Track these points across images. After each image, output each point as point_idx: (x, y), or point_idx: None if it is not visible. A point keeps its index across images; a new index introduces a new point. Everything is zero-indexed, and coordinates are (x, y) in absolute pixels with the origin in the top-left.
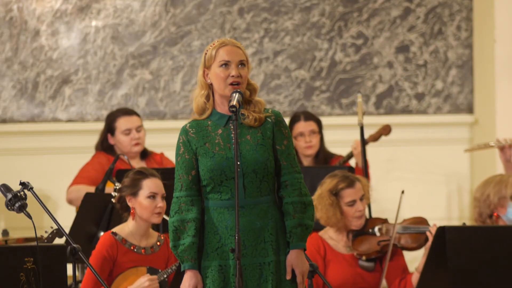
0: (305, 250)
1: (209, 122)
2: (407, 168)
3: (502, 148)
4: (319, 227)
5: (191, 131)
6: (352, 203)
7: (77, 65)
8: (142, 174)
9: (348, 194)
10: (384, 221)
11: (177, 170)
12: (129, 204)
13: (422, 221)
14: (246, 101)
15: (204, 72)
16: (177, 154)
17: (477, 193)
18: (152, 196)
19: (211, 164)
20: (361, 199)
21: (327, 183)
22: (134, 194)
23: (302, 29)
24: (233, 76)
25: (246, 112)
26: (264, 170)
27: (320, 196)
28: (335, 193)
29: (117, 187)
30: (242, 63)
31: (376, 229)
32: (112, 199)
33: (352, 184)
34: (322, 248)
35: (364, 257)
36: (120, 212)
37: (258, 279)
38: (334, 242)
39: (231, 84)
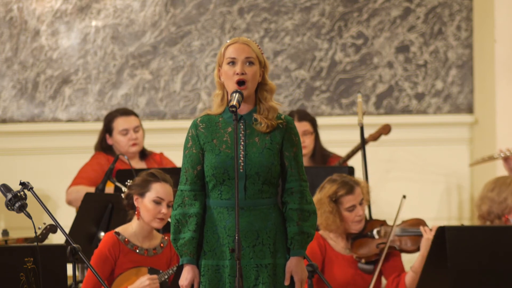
0: (305, 257)
1: (220, 119)
2: (407, 168)
3: (506, 159)
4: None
5: (201, 126)
6: (352, 208)
7: (77, 65)
8: (154, 177)
9: (347, 200)
10: (383, 223)
11: (184, 163)
12: (135, 203)
13: (420, 222)
14: (260, 103)
15: (218, 71)
16: (185, 147)
17: (492, 193)
18: (158, 201)
19: (215, 162)
20: (360, 203)
21: (327, 189)
22: (142, 194)
23: (302, 29)
24: (237, 73)
25: (259, 118)
26: (267, 174)
27: (320, 201)
28: (335, 200)
29: (129, 184)
30: (250, 61)
31: (375, 231)
32: (122, 194)
33: (352, 191)
34: (323, 246)
35: (363, 260)
36: (126, 209)
37: (254, 281)
38: (334, 243)
39: (237, 82)
